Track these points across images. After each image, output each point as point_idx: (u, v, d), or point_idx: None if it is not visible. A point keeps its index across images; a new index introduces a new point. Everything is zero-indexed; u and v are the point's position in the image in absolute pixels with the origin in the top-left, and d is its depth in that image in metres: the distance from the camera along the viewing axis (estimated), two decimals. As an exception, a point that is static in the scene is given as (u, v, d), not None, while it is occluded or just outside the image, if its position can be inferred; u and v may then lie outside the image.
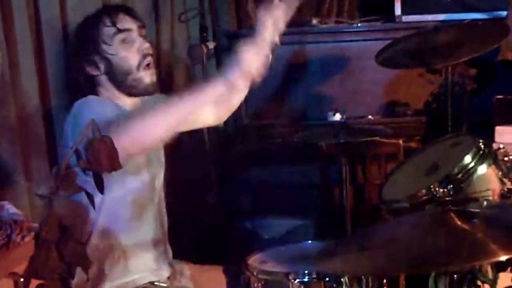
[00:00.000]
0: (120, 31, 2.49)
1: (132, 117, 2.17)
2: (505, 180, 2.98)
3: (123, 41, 2.49)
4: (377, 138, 3.52)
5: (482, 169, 2.84)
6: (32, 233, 2.30)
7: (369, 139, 3.47)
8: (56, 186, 2.31)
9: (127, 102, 2.54)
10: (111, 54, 2.48)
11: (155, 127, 2.12)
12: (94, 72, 2.51)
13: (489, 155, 2.89)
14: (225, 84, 2.21)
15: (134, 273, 2.54)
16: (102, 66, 2.50)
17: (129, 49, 2.50)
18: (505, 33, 3.42)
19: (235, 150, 4.30)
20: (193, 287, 2.72)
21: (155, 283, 2.59)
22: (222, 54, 4.40)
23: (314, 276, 2.60)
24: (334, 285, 2.59)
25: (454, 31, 3.42)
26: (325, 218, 3.78)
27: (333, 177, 4.04)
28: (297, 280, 2.58)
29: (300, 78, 4.34)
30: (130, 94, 2.54)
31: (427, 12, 4.35)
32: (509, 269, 2.86)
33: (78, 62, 2.53)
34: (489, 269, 2.89)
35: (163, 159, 2.74)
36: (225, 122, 4.28)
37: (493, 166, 2.90)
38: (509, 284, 2.88)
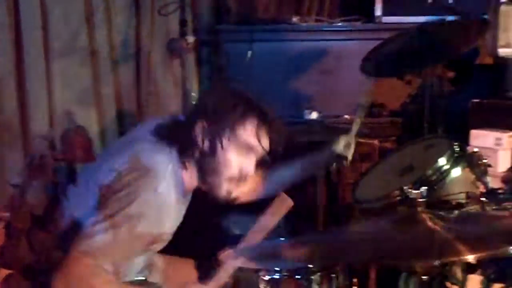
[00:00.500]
0: (250, 148, 2.36)
1: None
2: (478, 183, 3.01)
3: (244, 155, 2.36)
4: (352, 138, 3.52)
5: (456, 172, 2.86)
6: (3, 223, 2.29)
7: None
8: (29, 176, 2.31)
9: (189, 182, 2.41)
10: (221, 150, 2.33)
11: None
12: (197, 139, 2.34)
13: (464, 158, 2.91)
14: None
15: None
16: (206, 146, 2.33)
17: (238, 160, 2.35)
18: (483, 31, 3.44)
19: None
20: (163, 281, 2.71)
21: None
22: (202, 48, 4.40)
23: (285, 273, 2.61)
24: (305, 283, 2.60)
25: (436, 32, 3.43)
26: (298, 216, 3.77)
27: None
28: (268, 276, 2.58)
29: (279, 75, 4.34)
30: (201, 185, 2.42)
31: (407, 13, 4.36)
32: (478, 271, 2.89)
33: (196, 118, 2.35)
34: (458, 271, 2.92)
35: None
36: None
37: (467, 169, 2.93)
38: (478, 286, 2.91)
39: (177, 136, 2.31)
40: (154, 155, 2.23)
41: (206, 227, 4.00)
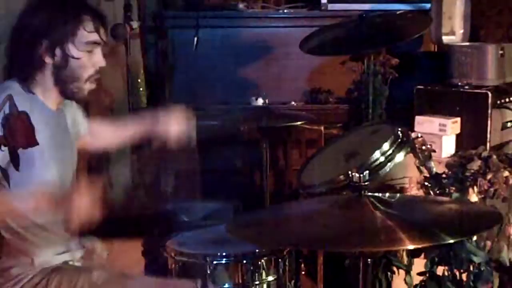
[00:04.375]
0: (94, 42, 2.45)
1: None
2: (422, 168, 3.05)
3: (89, 51, 2.45)
4: (298, 124, 3.54)
5: (400, 157, 2.89)
6: None
7: (290, 124, 3.49)
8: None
9: (52, 103, 2.49)
10: (73, 57, 2.41)
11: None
12: (46, 60, 2.41)
13: (407, 143, 2.94)
14: None
15: (47, 252, 2.50)
16: (57, 60, 2.41)
17: (89, 60, 2.45)
18: (427, 24, 3.48)
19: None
20: (108, 265, 2.69)
21: (70, 262, 2.55)
22: (147, 35, 4.37)
23: (232, 258, 2.62)
24: (252, 267, 2.61)
25: (378, 21, 3.47)
26: (245, 201, 3.78)
27: (254, 161, 4.05)
28: (215, 262, 2.59)
29: (225, 62, 4.34)
30: (65, 96, 2.49)
31: (352, 1, 4.38)
32: (422, 255, 2.93)
33: (36, 40, 2.40)
34: (404, 255, 2.96)
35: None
36: (148, 104, 4.30)
37: (410, 155, 2.96)
38: (422, 269, 2.95)
39: (23, 67, 2.41)
40: None
41: (153, 214, 3.99)
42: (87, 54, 2.44)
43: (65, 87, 2.44)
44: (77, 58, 2.41)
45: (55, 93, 2.46)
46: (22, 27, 2.42)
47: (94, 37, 2.44)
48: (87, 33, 2.41)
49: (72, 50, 2.40)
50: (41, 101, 2.44)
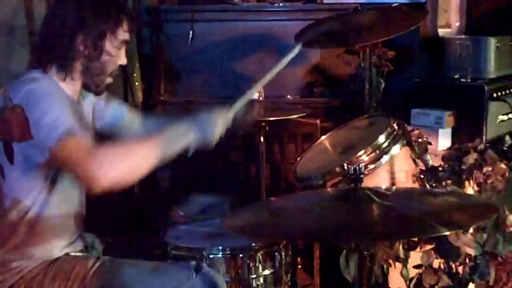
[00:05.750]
0: (126, 41, 2.57)
1: (127, 148, 2.35)
2: (418, 161, 3.05)
3: (119, 48, 2.56)
4: (294, 118, 3.53)
5: (395, 149, 2.89)
6: None
7: (286, 117, 3.48)
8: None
9: (73, 93, 2.55)
10: (107, 52, 2.52)
11: (146, 160, 2.30)
12: (80, 50, 2.49)
13: (403, 136, 2.95)
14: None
15: (50, 244, 2.51)
16: (92, 53, 2.50)
17: (117, 56, 2.57)
18: (423, 17, 3.47)
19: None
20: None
21: (71, 254, 2.56)
22: (143, 29, 4.36)
23: (228, 252, 2.62)
24: (248, 261, 2.61)
25: (373, 13, 3.46)
26: (241, 195, 3.77)
27: (250, 155, 4.04)
28: (211, 255, 2.59)
29: (220, 55, 4.33)
30: (86, 87, 2.58)
31: (348, -6, 4.37)
32: (418, 247, 2.93)
33: (75, 31, 2.49)
34: (400, 247, 2.96)
35: None
36: (144, 98, 4.29)
37: (406, 147, 2.97)
38: (419, 262, 2.95)
39: (55, 57, 2.49)
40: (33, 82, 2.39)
41: (149, 207, 3.99)
42: (116, 51, 2.55)
43: (91, 79, 2.54)
44: (110, 54, 2.53)
45: (78, 83, 2.55)
46: (61, 18, 2.50)
47: (127, 36, 2.57)
48: (123, 32, 2.54)
49: (108, 46, 2.52)
50: (62, 89, 2.50)
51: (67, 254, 2.55)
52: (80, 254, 2.60)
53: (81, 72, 2.52)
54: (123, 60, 2.59)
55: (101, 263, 2.52)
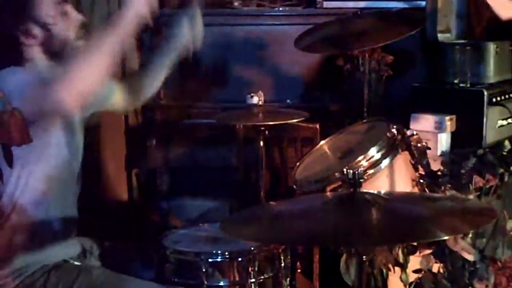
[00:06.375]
0: (64, 1, 2.48)
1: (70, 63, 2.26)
2: (417, 166, 3.05)
3: (63, 12, 2.48)
4: (294, 122, 3.53)
5: (395, 154, 2.89)
6: None
7: (286, 122, 3.48)
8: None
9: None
10: (51, 24, 2.44)
11: (95, 64, 2.21)
12: (29, 42, 2.44)
13: (402, 141, 2.95)
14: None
15: (49, 248, 2.51)
16: (39, 35, 2.44)
17: (67, 20, 2.48)
18: (422, 22, 3.48)
19: (153, 130, 4.27)
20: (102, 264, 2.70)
21: (67, 261, 2.56)
22: (143, 33, 4.36)
23: (227, 256, 2.61)
24: (247, 265, 2.61)
25: (373, 18, 3.46)
26: (241, 200, 3.79)
27: (249, 159, 4.04)
28: (210, 260, 2.59)
29: (220, 59, 4.33)
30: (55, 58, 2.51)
31: (348, -2, 4.38)
32: (418, 252, 2.93)
33: (9, 30, 2.43)
34: (400, 252, 2.96)
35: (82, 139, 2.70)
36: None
37: (405, 152, 2.97)
38: (418, 266, 2.95)
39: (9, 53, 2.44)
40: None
41: (148, 212, 3.99)
42: (61, 17, 2.47)
43: (60, 55, 2.47)
44: (55, 24, 2.45)
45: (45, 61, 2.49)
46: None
47: (67, 8, 2.49)
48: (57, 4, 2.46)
49: (46, 18, 2.44)
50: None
51: (66, 261, 2.55)
52: (80, 263, 2.59)
53: (47, 58, 2.47)
54: (77, 18, 2.51)
55: (106, 278, 2.51)
